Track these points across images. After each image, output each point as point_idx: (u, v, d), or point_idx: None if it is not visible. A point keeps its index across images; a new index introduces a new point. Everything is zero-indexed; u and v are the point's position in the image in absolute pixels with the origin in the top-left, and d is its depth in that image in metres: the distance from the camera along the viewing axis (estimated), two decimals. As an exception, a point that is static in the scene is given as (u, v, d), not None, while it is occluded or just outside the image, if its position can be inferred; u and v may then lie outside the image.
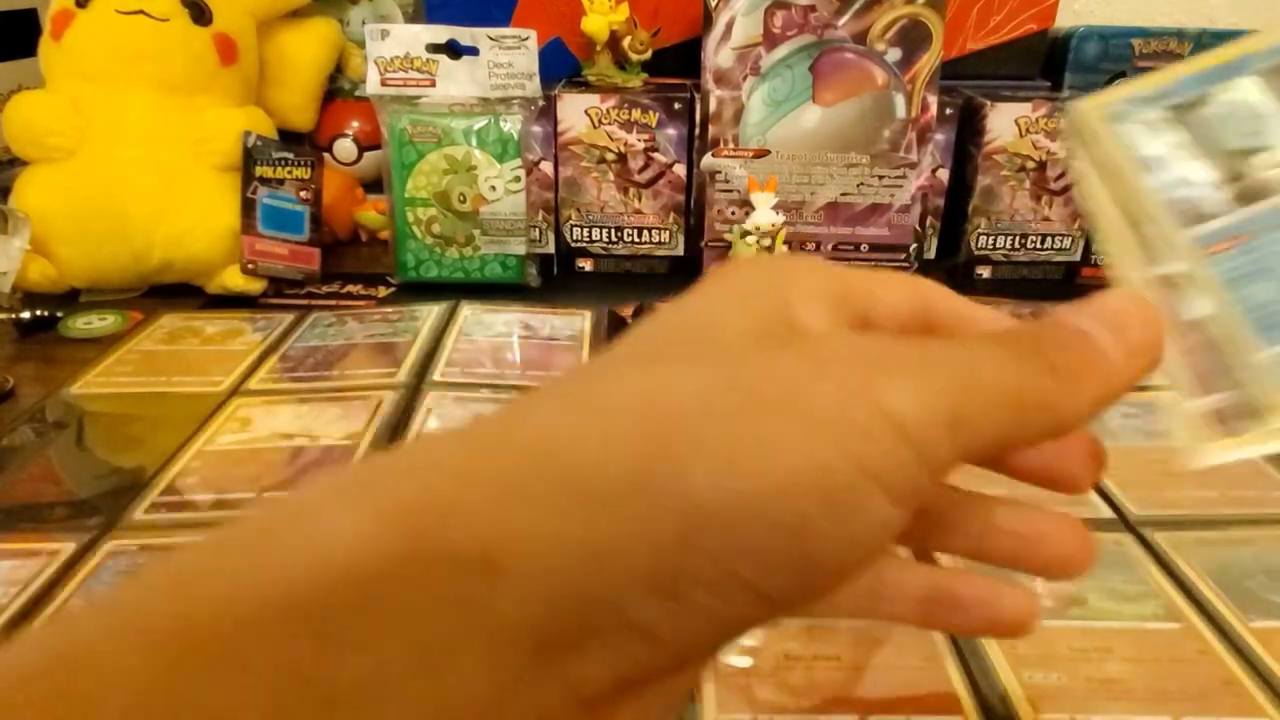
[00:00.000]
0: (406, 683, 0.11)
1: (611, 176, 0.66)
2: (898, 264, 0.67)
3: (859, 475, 0.13)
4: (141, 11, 0.59)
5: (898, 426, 0.13)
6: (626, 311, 0.58)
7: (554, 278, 0.68)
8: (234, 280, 0.61)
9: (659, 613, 0.13)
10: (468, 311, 0.56)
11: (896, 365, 0.14)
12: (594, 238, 0.68)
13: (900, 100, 0.63)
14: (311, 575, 0.11)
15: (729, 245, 0.65)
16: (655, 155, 0.65)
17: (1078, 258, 0.69)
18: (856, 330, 0.17)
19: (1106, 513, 0.37)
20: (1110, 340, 0.15)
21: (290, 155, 0.63)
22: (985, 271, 0.69)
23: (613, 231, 0.68)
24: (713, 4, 0.62)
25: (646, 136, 0.65)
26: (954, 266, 0.70)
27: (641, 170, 0.66)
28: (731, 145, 0.64)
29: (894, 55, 0.62)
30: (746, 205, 0.65)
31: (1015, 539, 0.19)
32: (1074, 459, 0.19)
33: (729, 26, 0.62)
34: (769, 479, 0.13)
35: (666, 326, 0.16)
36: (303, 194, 0.63)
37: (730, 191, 0.65)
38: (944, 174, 0.68)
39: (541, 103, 0.63)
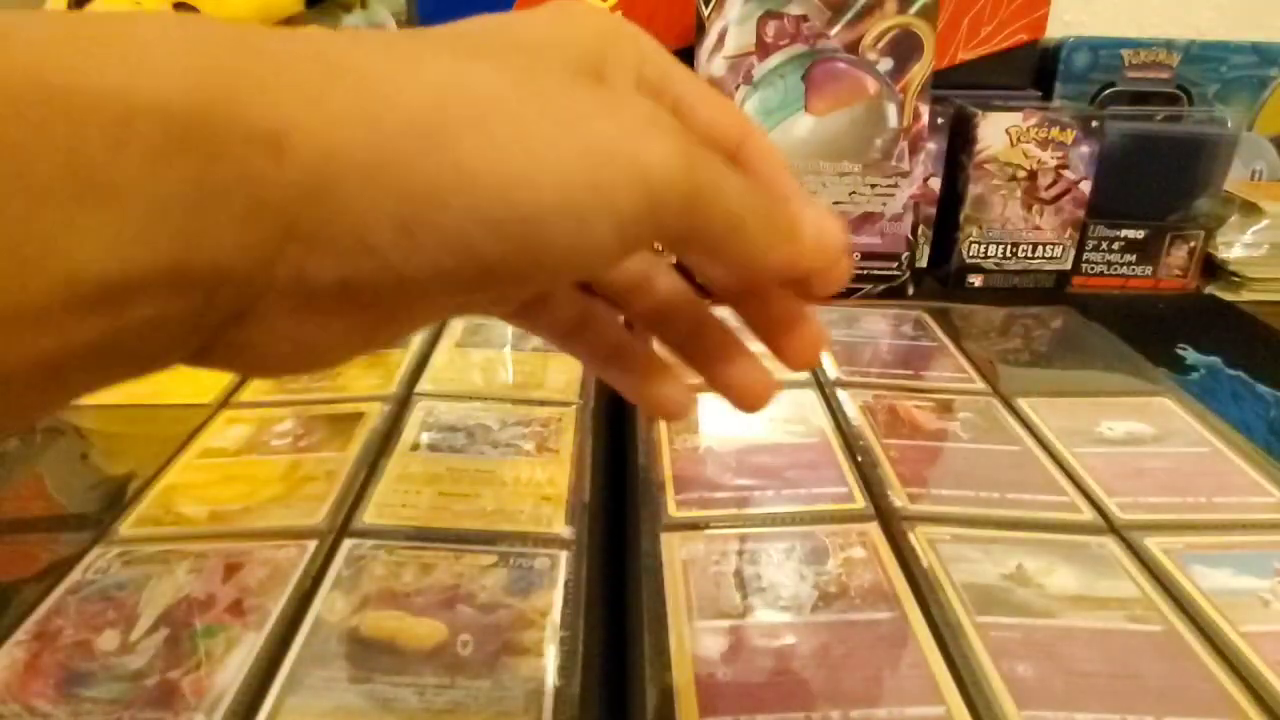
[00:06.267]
0: (179, 208, 0.13)
1: (604, 185, 0.66)
2: (890, 272, 0.67)
3: (598, 197, 0.15)
4: (134, 20, 0.59)
5: (645, 178, 0.16)
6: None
7: (547, 286, 0.68)
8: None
9: (392, 240, 0.14)
10: (459, 322, 0.56)
11: (671, 135, 0.16)
12: (587, 246, 0.68)
13: (892, 110, 0.63)
14: (130, 84, 0.12)
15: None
16: (648, 164, 0.65)
17: (1068, 266, 0.69)
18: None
19: (1091, 516, 0.37)
20: (812, 233, 0.19)
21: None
22: (977, 280, 0.69)
23: (606, 240, 0.68)
24: (705, 13, 0.62)
25: (639, 145, 0.65)
26: (945, 275, 0.70)
27: (634, 179, 0.66)
28: (724, 154, 0.65)
29: (886, 65, 0.63)
30: (739, 214, 0.65)
31: (711, 353, 0.23)
32: (798, 337, 0.22)
33: (722, 36, 0.62)
34: (525, 168, 0.15)
35: (489, 30, 0.19)
36: (295, 202, 0.63)
37: (723, 200, 0.65)
38: (936, 183, 0.68)
39: (534, 111, 0.63)
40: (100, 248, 0.12)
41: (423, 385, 0.48)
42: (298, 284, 0.14)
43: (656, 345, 0.24)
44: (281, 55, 0.14)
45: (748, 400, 0.22)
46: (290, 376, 0.19)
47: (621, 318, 0.24)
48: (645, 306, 0.23)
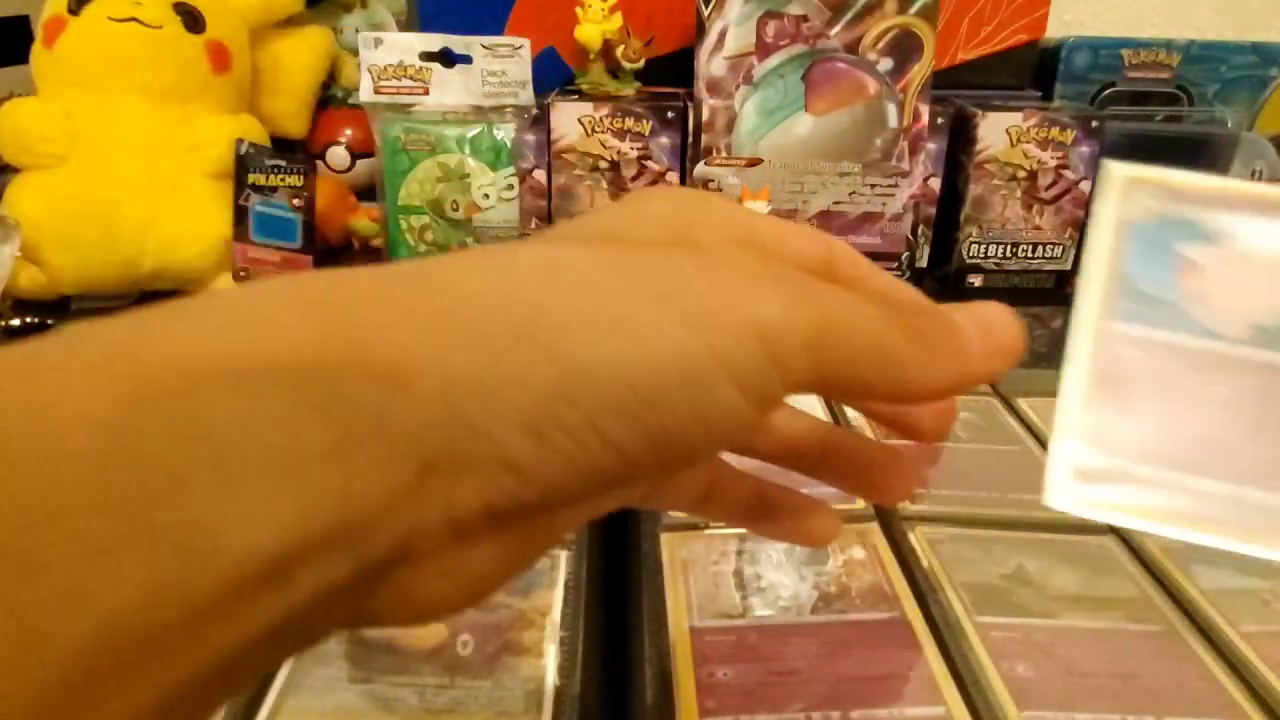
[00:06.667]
0: (323, 463, 0.13)
1: (605, 185, 0.66)
2: (890, 272, 0.67)
3: (713, 363, 0.15)
4: (134, 19, 0.59)
5: (758, 331, 0.15)
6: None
7: (547, 285, 0.68)
8: (225, 288, 0.61)
9: (528, 450, 0.14)
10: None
11: (773, 282, 0.16)
12: (587, 246, 0.68)
13: (892, 110, 0.63)
14: (253, 353, 0.13)
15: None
16: (649, 163, 0.66)
17: (1068, 266, 0.69)
18: None
19: (1096, 522, 0.37)
20: (976, 335, 0.18)
21: (283, 163, 0.63)
22: (977, 280, 0.69)
23: (606, 239, 0.68)
24: (705, 13, 0.62)
25: (640, 145, 0.65)
26: (945, 275, 0.70)
27: (635, 179, 0.66)
28: (724, 154, 0.65)
29: (886, 65, 0.63)
30: (739, 214, 0.65)
31: (850, 463, 0.22)
32: (931, 408, 0.21)
33: (722, 36, 0.62)
34: (636, 350, 0.15)
35: (580, 226, 0.19)
36: (295, 201, 0.63)
37: (723, 200, 0.65)
38: (936, 183, 0.68)
39: (535, 111, 0.63)
40: (258, 525, 0.12)
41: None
42: (446, 517, 0.14)
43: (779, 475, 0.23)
44: (386, 291, 0.15)
45: (894, 494, 0.23)
46: (451, 617, 0.19)
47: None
48: (771, 445, 0.22)
